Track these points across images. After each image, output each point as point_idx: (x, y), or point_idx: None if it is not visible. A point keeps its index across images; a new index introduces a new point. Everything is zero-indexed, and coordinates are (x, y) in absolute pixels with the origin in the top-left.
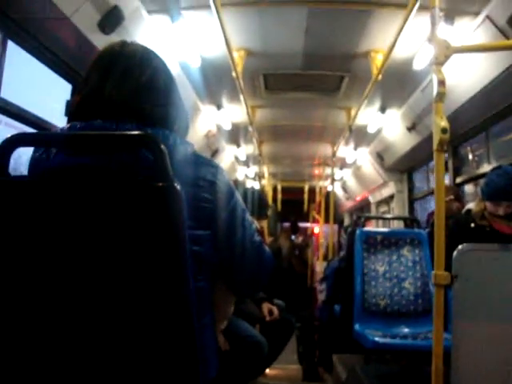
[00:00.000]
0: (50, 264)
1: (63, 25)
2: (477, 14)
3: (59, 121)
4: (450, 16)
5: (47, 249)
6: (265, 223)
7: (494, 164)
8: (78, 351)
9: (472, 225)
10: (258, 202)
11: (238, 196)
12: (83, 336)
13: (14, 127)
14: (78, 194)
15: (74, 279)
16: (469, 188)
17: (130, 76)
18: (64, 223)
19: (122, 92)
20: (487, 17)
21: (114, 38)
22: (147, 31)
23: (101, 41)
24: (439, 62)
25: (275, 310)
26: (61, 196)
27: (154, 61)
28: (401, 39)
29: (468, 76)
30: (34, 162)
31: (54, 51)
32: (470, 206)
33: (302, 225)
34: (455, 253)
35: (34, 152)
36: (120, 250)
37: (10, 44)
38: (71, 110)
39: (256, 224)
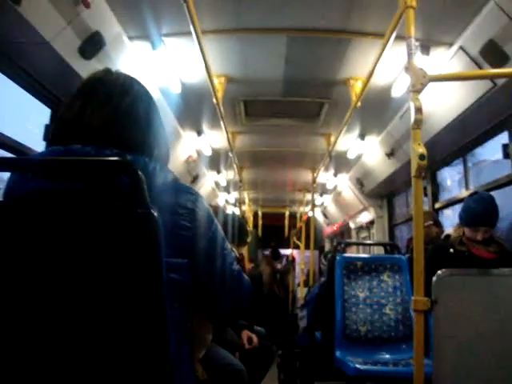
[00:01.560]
0: (23, 291)
1: (43, 49)
2: (451, 44)
3: (38, 145)
4: (426, 46)
5: (21, 273)
6: (245, 250)
7: (472, 189)
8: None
9: (451, 250)
10: (238, 229)
11: (218, 224)
12: (57, 367)
13: None
14: (53, 218)
15: (47, 306)
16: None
17: (110, 102)
18: (39, 248)
19: (101, 118)
20: (461, 47)
21: (95, 63)
22: (128, 57)
23: (81, 66)
24: (416, 89)
25: (254, 338)
26: (36, 221)
27: (134, 88)
28: (379, 67)
29: (444, 104)
30: (9, 187)
31: (34, 75)
32: (449, 231)
33: (282, 251)
34: (434, 278)
35: (10, 177)
36: (95, 276)
37: None
38: (52, 135)
39: (235, 252)
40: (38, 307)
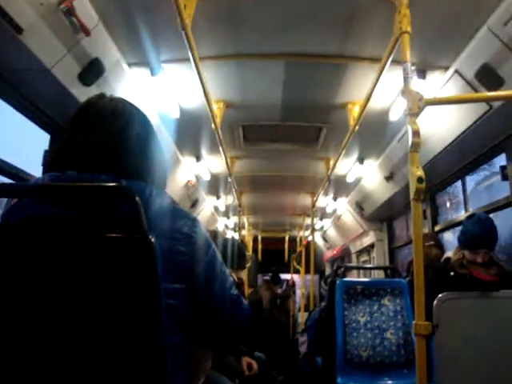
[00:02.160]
0: (20, 315)
1: (44, 76)
2: (447, 68)
3: (37, 171)
4: (422, 70)
5: (15, 299)
6: (244, 274)
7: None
8: None
9: (451, 273)
10: (237, 254)
11: (215, 249)
12: None
13: None
14: (50, 244)
15: (45, 330)
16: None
17: (100, 126)
18: (36, 274)
19: (92, 142)
20: (456, 71)
21: (95, 89)
22: (127, 83)
23: (81, 92)
24: (413, 113)
25: (254, 365)
26: (33, 246)
27: (127, 112)
28: (376, 91)
29: (442, 127)
30: (6, 212)
31: (34, 102)
32: (449, 254)
33: (283, 276)
34: (435, 302)
35: (8, 202)
36: (92, 303)
37: None
38: (47, 162)
39: (234, 277)
40: (35, 331)
